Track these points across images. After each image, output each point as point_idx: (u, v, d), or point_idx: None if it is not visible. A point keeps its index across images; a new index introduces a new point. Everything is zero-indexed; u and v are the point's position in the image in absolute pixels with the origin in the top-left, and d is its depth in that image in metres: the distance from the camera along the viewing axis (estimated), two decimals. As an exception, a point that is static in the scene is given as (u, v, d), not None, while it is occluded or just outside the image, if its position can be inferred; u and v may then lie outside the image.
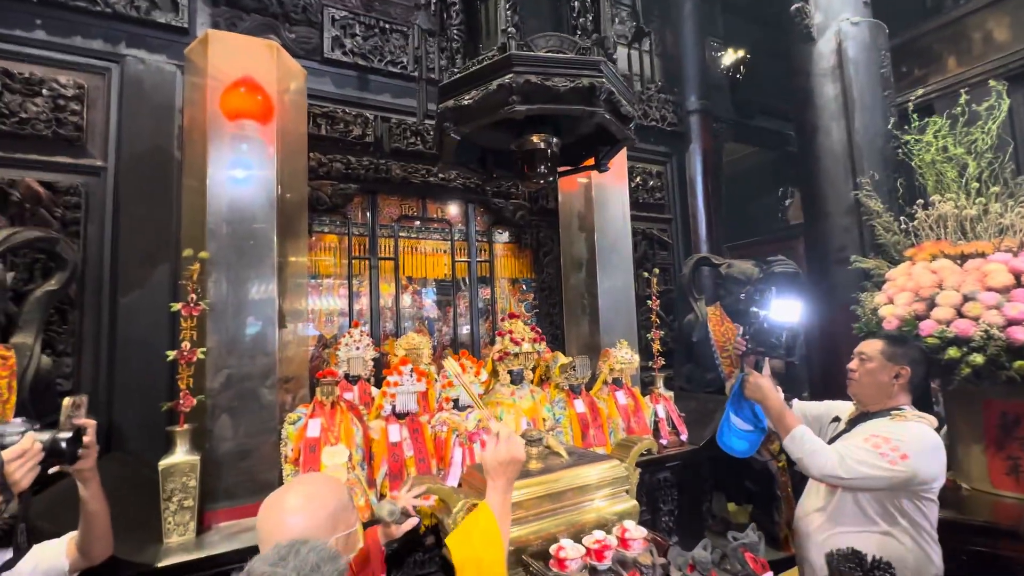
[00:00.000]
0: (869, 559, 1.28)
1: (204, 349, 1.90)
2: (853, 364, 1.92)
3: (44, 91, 2.26)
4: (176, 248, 2.39)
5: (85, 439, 1.23)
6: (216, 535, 1.83)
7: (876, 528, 1.67)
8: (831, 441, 1.89)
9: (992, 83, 2.68)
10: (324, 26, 2.87)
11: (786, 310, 1.96)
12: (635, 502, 1.83)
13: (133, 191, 2.39)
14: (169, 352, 1.85)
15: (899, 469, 1.57)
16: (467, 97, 1.58)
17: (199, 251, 1.92)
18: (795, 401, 2.12)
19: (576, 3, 1.64)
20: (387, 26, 3.04)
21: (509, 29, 1.52)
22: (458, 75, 1.63)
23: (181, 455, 1.78)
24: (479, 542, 1.12)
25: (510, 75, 1.50)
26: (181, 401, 1.81)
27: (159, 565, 1.62)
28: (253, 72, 2.18)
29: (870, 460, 1.61)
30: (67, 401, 1.26)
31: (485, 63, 1.56)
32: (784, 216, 6.09)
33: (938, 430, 1.77)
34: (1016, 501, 2.20)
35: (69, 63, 2.34)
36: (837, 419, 1.99)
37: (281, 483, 1.99)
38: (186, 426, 1.82)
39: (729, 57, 4.77)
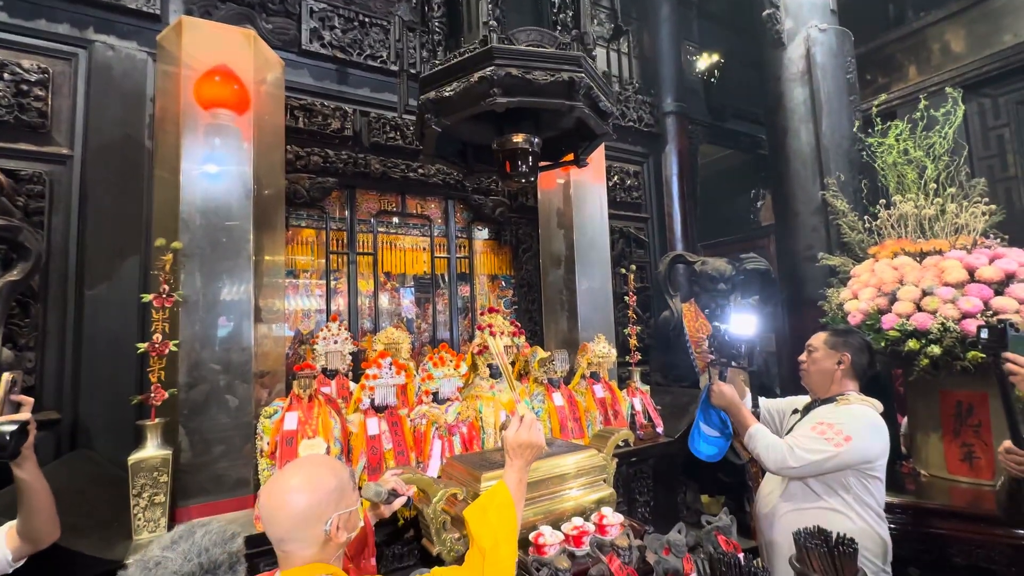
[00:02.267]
0: (834, 536, 1.34)
1: (176, 342, 1.86)
2: (803, 356, 2.05)
3: (5, 75, 2.17)
4: (147, 241, 2.33)
5: (27, 425, 1.18)
6: (189, 531, 1.78)
7: (823, 504, 1.77)
8: (791, 430, 2.00)
9: (949, 91, 2.83)
10: (302, 17, 2.83)
11: (744, 323, 2.12)
12: (612, 490, 1.87)
13: (101, 181, 2.32)
14: (140, 344, 1.80)
15: (843, 450, 1.68)
16: (448, 89, 1.59)
17: (171, 242, 1.88)
18: (761, 399, 2.23)
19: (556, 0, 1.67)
20: (367, 19, 3.02)
21: (491, 22, 1.53)
22: (439, 67, 1.64)
23: (152, 450, 1.74)
24: (495, 516, 1.17)
25: (491, 68, 1.51)
26: (152, 395, 1.77)
27: (129, 561, 1.57)
28: (229, 61, 2.14)
29: (816, 447, 1.72)
30: (6, 376, 1.20)
31: (467, 55, 1.57)
32: (756, 217, 6.28)
33: (887, 416, 1.87)
34: (970, 486, 2.33)
35: (33, 47, 2.26)
36: (796, 410, 2.09)
37: (257, 478, 1.96)
38: (157, 420, 1.77)
39: (704, 61, 4.90)
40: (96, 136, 2.33)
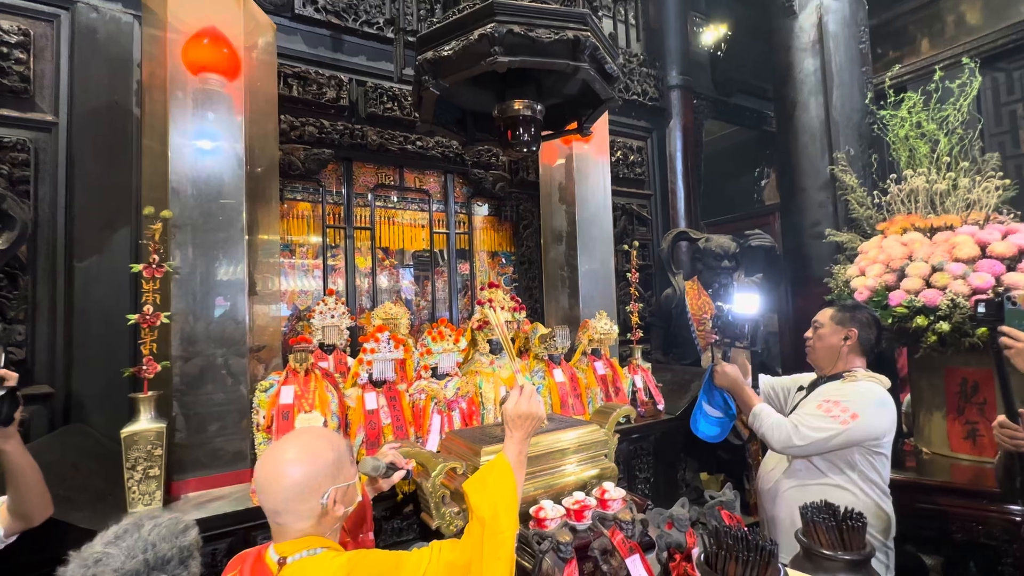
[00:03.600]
0: (842, 510, 1.32)
1: (168, 313, 1.81)
2: (808, 332, 2.01)
3: (-16, 36, 2.08)
4: (137, 211, 2.26)
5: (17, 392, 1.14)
6: (185, 504, 1.77)
7: (827, 480, 1.75)
8: (795, 407, 1.97)
9: (965, 61, 2.73)
10: (294, -20, 2.71)
11: (748, 303, 2.08)
12: (614, 465, 1.84)
13: (88, 149, 2.24)
14: (130, 316, 1.76)
15: (850, 427, 1.65)
16: (447, 48, 1.51)
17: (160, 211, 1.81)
18: (764, 377, 2.19)
19: (561, -47, 1.58)
20: (362, -17, 2.90)
21: (492, -25, 1.45)
22: (438, 25, 1.55)
23: (145, 423, 1.70)
24: (495, 487, 1.14)
25: (492, 24, 1.43)
26: (144, 367, 1.73)
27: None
28: (217, 23, 2.05)
29: (821, 424, 1.69)
30: None
31: (466, 12, 1.49)
32: (760, 196, 6.19)
33: (895, 392, 1.84)
34: (972, 463, 2.31)
35: (11, 7, 2.15)
36: (801, 387, 2.06)
37: (253, 452, 1.93)
38: (150, 393, 1.74)
39: (710, 33, 4.75)
40: (82, 102, 2.24)
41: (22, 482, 1.20)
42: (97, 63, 2.27)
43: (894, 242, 2.54)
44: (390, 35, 2.88)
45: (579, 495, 1.58)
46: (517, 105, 1.82)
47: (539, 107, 1.84)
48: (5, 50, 2.11)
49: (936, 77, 2.69)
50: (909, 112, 2.74)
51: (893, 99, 2.81)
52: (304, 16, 2.74)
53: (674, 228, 3.91)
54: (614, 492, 1.58)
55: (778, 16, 3.31)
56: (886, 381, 1.78)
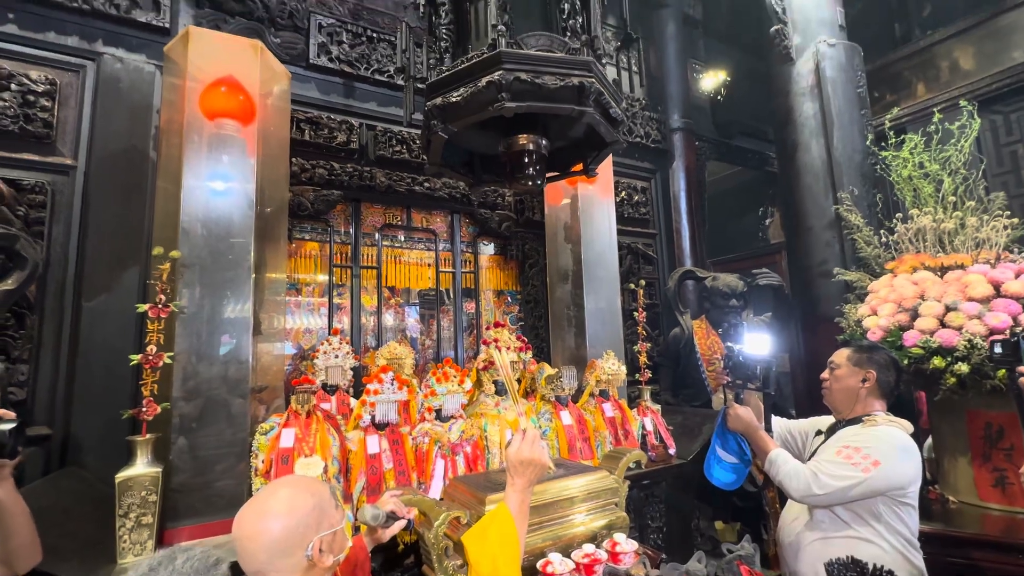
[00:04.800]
0: (870, 567, 1.23)
1: (171, 354, 1.79)
2: (825, 374, 1.96)
3: (13, 86, 2.17)
4: (147, 252, 2.28)
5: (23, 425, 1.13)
6: (177, 555, 1.69)
7: (852, 533, 1.65)
8: (814, 453, 1.90)
9: (963, 103, 2.78)
10: (310, 32, 2.85)
11: (759, 344, 2.04)
12: (625, 514, 1.76)
13: (104, 191, 2.29)
14: (133, 356, 1.74)
15: (872, 476, 1.57)
16: (456, 94, 1.56)
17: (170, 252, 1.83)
18: (779, 420, 2.12)
19: (566, 5, 1.65)
20: (374, 35, 3.03)
21: (499, 27, 1.50)
22: (447, 72, 1.60)
23: (141, 467, 1.66)
24: (495, 540, 1.08)
25: (500, 72, 1.48)
26: (144, 408, 1.70)
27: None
28: (235, 71, 2.13)
29: (842, 472, 1.61)
30: None
31: (475, 60, 1.54)
32: (765, 235, 6.21)
33: (917, 438, 1.77)
34: (1003, 514, 2.19)
35: (41, 59, 2.26)
36: (820, 432, 1.99)
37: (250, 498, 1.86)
38: (148, 436, 1.70)
39: (710, 79, 4.90)
40: (101, 147, 2.31)
41: (12, 527, 1.15)
42: (119, 110, 2.36)
43: (905, 281, 2.51)
44: (400, 82, 2.97)
45: (589, 548, 1.50)
46: (522, 139, 1.85)
47: (543, 142, 1.87)
48: (32, 98, 2.20)
49: (935, 119, 2.73)
50: (911, 153, 2.77)
51: (894, 140, 2.85)
52: (318, 65, 2.85)
53: (680, 267, 3.90)
54: (626, 545, 1.50)
55: (777, 62, 3.41)
56: (908, 426, 1.71)
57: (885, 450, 1.60)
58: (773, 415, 2.10)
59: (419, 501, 1.53)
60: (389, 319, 3.13)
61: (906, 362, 2.25)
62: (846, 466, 1.61)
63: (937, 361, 2.17)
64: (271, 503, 0.99)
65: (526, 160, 1.80)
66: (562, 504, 1.66)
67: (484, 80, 1.50)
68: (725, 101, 4.90)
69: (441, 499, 1.80)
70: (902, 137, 2.82)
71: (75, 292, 2.21)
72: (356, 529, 1.56)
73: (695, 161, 4.36)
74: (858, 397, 1.83)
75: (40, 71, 2.25)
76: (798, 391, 3.29)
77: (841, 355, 1.94)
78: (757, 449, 1.89)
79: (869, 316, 2.56)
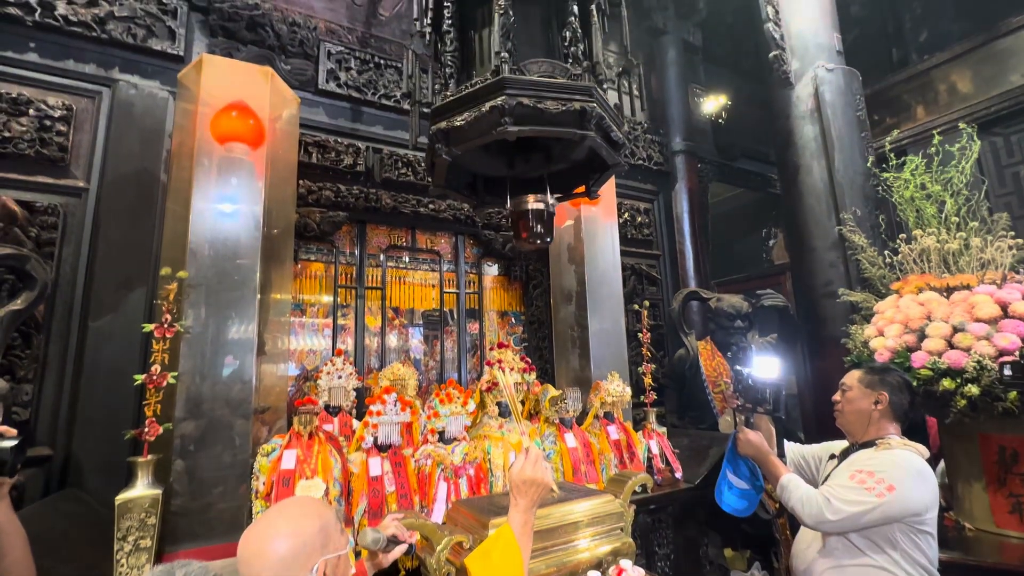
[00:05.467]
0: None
1: (175, 373, 1.80)
2: (836, 396, 1.94)
3: (31, 111, 2.24)
4: (155, 273, 2.31)
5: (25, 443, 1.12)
6: (174, 580, 1.66)
7: (867, 560, 1.61)
8: (827, 477, 1.86)
9: (962, 126, 2.81)
10: (320, 59, 2.93)
11: (768, 367, 2.03)
12: (631, 540, 1.72)
13: (115, 213, 2.33)
14: (137, 376, 1.74)
15: (887, 501, 1.53)
16: (460, 119, 1.59)
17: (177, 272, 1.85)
18: (792, 445, 2.09)
19: (568, 33, 1.69)
20: (381, 61, 3.12)
21: (503, 53, 1.54)
22: (451, 98, 1.64)
23: (141, 489, 1.64)
24: (498, 562, 1.06)
25: (503, 97, 1.51)
26: (146, 429, 1.69)
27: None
28: (246, 97, 2.19)
29: (855, 497, 1.58)
30: None
31: (478, 86, 1.58)
32: (768, 256, 6.21)
33: (932, 463, 1.74)
34: (1021, 541, 2.13)
35: (59, 85, 2.33)
36: (833, 456, 1.96)
37: (250, 521, 1.84)
38: (149, 457, 1.69)
39: (711, 103, 4.98)
40: (113, 169, 2.36)
41: (6, 546, 1.14)
42: (131, 134, 2.42)
43: (911, 302, 2.50)
44: (406, 107, 3.06)
45: (594, 575, 1.46)
46: (530, 200, 1.92)
47: (552, 200, 1.94)
48: (48, 123, 2.26)
49: (935, 141, 2.76)
50: (912, 174, 2.79)
51: (895, 162, 2.87)
52: (327, 91, 2.93)
53: (684, 288, 3.90)
54: (632, 572, 1.46)
55: (776, 86, 3.47)
56: (924, 450, 1.68)
57: (900, 475, 1.57)
58: (786, 440, 2.07)
59: (421, 525, 1.51)
60: (393, 340, 3.13)
61: (915, 384, 2.22)
62: (859, 491, 1.58)
63: (947, 383, 2.13)
64: (279, 523, 0.98)
65: (534, 219, 1.89)
66: (566, 529, 1.62)
67: (487, 105, 1.53)
68: (726, 124, 4.96)
69: (444, 523, 1.77)
70: (903, 159, 2.85)
71: (82, 312, 2.23)
72: (357, 554, 1.54)
73: (697, 182, 4.40)
74: (871, 419, 1.80)
75: (58, 97, 2.31)
76: (805, 413, 3.24)
77: (853, 377, 1.92)
78: (768, 474, 1.86)
79: (876, 337, 2.54)
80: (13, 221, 2.13)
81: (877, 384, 1.84)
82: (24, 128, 2.21)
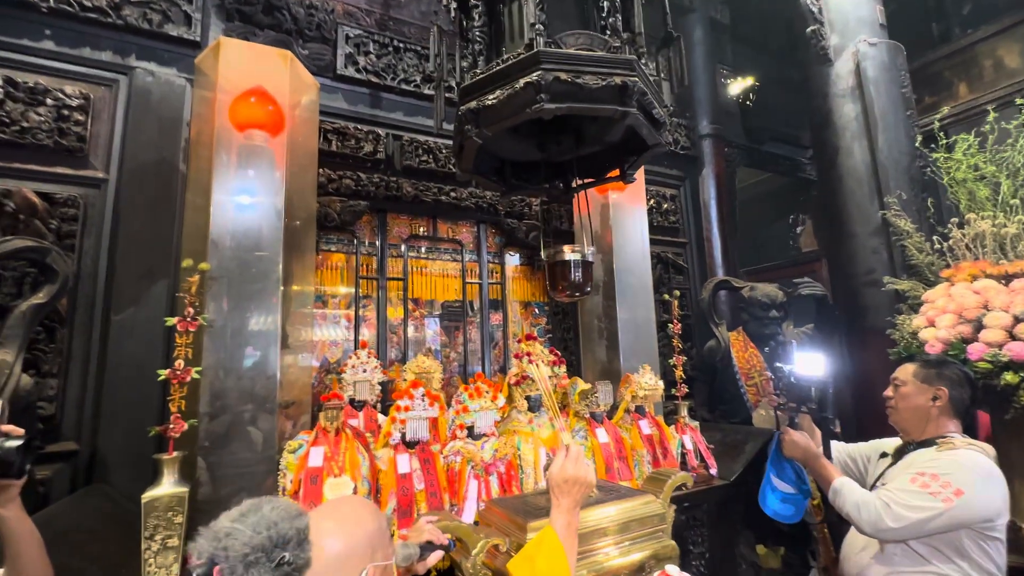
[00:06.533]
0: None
1: (199, 368, 1.75)
2: (888, 391, 1.82)
3: (48, 100, 2.18)
4: (176, 264, 2.26)
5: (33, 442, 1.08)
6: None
7: (931, 569, 1.50)
8: (880, 477, 1.75)
9: (1020, 100, 2.62)
10: (338, 43, 2.83)
11: (812, 363, 1.91)
12: (673, 543, 1.63)
13: (135, 204, 2.28)
14: (160, 371, 1.69)
15: (955, 506, 1.42)
16: (491, 97, 1.49)
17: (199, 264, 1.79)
18: (836, 444, 1.98)
19: (605, 3, 1.57)
20: (401, 45, 3.01)
21: (537, 25, 1.43)
22: (482, 75, 1.54)
23: (168, 487, 1.60)
24: (544, 567, 1.01)
25: (538, 72, 1.40)
26: (171, 425, 1.65)
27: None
28: (265, 82, 2.11)
29: (919, 503, 1.46)
30: None
31: (511, 61, 1.47)
32: (795, 243, 6.01)
33: None
34: (1089, 545, 1.99)
35: (76, 74, 2.28)
36: (885, 454, 1.84)
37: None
38: (175, 454, 1.64)
39: (739, 84, 4.78)
40: (131, 160, 2.31)
41: (20, 552, 1.10)
42: (149, 123, 2.36)
43: (965, 290, 2.34)
44: (427, 91, 2.96)
45: (639, 581, 1.38)
46: (566, 251, 1.97)
47: (590, 250, 2.01)
48: (66, 113, 2.21)
49: (990, 119, 2.57)
50: (964, 154, 2.61)
51: (944, 141, 2.70)
52: (346, 76, 2.84)
53: (713, 277, 3.76)
54: (679, 578, 1.38)
55: (813, 64, 3.29)
56: (990, 449, 1.56)
57: (968, 477, 1.45)
58: (832, 440, 1.96)
59: (456, 527, 1.44)
60: (413, 331, 3.06)
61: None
62: (923, 496, 1.47)
63: (1009, 377, 2.00)
64: (334, 520, 0.93)
65: (570, 269, 1.94)
66: (605, 532, 1.54)
67: (522, 81, 1.43)
68: (755, 106, 4.77)
69: (477, 523, 1.70)
70: (953, 138, 2.67)
71: (104, 305, 2.19)
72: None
73: (725, 168, 4.23)
74: (929, 417, 1.69)
75: (74, 86, 2.26)
76: (844, 409, 3.10)
77: (906, 371, 1.80)
78: (819, 478, 1.75)
79: (926, 328, 2.40)
80: (34, 213, 2.09)
81: (935, 379, 1.72)
82: (42, 118, 2.16)
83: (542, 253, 2.00)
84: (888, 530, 1.50)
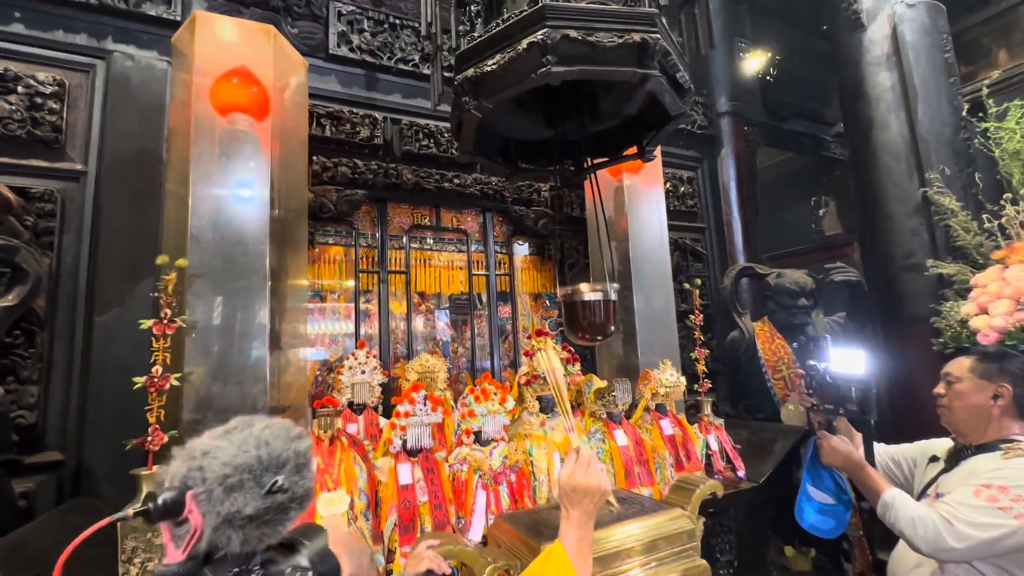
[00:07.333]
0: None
1: (179, 375, 1.60)
2: (940, 388, 1.61)
3: (19, 88, 2.04)
4: (161, 260, 2.12)
5: None
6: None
7: None
8: (930, 484, 1.55)
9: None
10: (329, 21, 2.65)
11: (850, 360, 1.69)
12: (705, 562, 1.46)
13: (116, 198, 2.14)
14: (136, 379, 1.55)
15: None
16: (491, 62, 1.30)
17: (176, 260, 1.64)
18: (880, 447, 1.78)
19: (620, -50, 1.37)
20: (397, 22, 2.82)
21: (542, -24, 1.24)
22: (480, 38, 1.35)
23: (146, 505, 1.46)
24: None
25: (544, 30, 1.21)
26: (150, 438, 1.51)
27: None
28: (247, 61, 1.94)
29: (986, 520, 1.28)
30: None
31: (512, 20, 1.28)
32: (818, 227, 5.73)
33: None
34: None
35: (49, 59, 2.13)
36: (935, 458, 1.64)
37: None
38: (155, 469, 1.51)
39: (758, 59, 4.51)
40: (112, 150, 2.16)
41: None
42: (129, 111, 2.21)
43: (1021, 273, 2.12)
44: (427, 71, 2.77)
45: (669, 612, 1.21)
46: (585, 290, 1.72)
47: (613, 287, 1.77)
48: (39, 101, 2.07)
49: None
50: (1018, 124, 2.37)
51: (996, 110, 2.45)
52: (339, 56, 2.65)
53: (733, 263, 3.54)
54: (716, 610, 1.21)
55: (843, 30, 3.03)
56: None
57: None
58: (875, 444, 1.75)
59: (460, 552, 1.28)
60: (419, 326, 2.91)
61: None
62: (991, 511, 1.28)
63: (1080, 369, 1.78)
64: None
65: (591, 312, 1.72)
66: (629, 553, 1.37)
67: (525, 42, 1.23)
68: (776, 81, 4.50)
69: (484, 542, 1.55)
70: (1005, 105, 2.42)
71: (86, 306, 2.06)
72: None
73: (744, 147, 3.98)
74: (990, 417, 1.49)
75: (48, 72, 2.11)
76: (881, 406, 2.88)
77: (962, 365, 1.59)
78: (864, 489, 1.56)
79: (977, 315, 2.18)
80: (8, 209, 1.94)
81: (995, 374, 1.51)
82: (13, 107, 2.01)
83: (556, 292, 1.77)
84: (950, 550, 1.31)
